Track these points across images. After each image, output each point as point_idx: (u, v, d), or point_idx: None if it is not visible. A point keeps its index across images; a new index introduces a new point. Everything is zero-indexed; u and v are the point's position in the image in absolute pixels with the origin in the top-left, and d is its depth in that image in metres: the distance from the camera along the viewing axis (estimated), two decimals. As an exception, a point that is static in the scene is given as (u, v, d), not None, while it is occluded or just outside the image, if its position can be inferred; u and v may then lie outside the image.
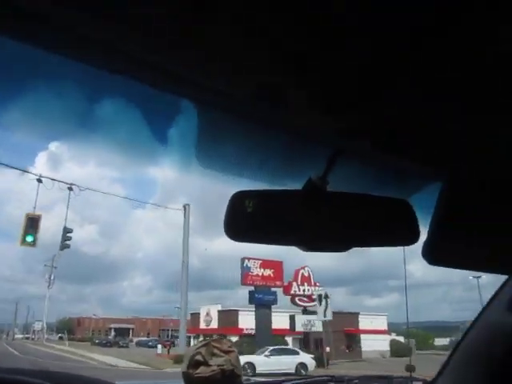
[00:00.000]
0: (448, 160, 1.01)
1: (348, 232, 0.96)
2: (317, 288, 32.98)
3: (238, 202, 0.90)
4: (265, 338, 29.30)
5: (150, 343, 52.66)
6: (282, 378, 1.87)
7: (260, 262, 32.50)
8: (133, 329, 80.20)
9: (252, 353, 24.33)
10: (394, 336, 42.17)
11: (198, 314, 42.21)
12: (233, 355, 1.52)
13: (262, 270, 32.85)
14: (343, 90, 0.78)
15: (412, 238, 0.97)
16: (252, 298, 32.08)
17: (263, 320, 31.03)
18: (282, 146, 0.99)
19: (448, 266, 1.09)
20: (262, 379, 1.82)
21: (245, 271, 31.95)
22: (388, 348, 39.01)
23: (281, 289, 33.82)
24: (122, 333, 73.38)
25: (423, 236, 0.99)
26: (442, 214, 1.00)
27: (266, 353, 23.94)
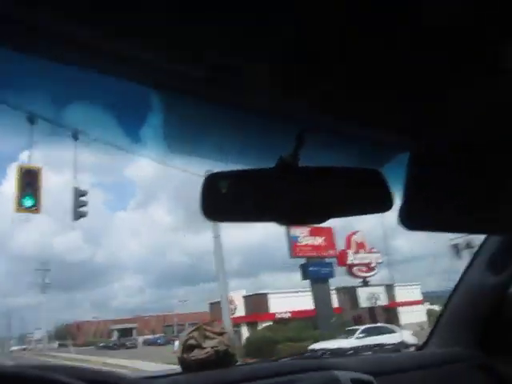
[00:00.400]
0: (415, 127, 1.04)
1: (324, 204, 0.99)
2: (374, 255, 27.88)
3: (211, 184, 0.92)
4: (327, 317, 24.86)
5: (159, 341, 49.85)
6: (278, 357, 1.93)
7: (308, 229, 26.16)
8: (136, 328, 76.43)
9: (315, 338, 20.10)
10: (428, 306, 36.76)
11: (218, 302, 37.26)
12: (226, 336, 1.57)
13: (312, 238, 26.91)
14: (304, 63, 0.79)
15: (386, 205, 1.01)
16: (305, 273, 26.19)
17: (322, 297, 25.68)
18: (249, 125, 1.00)
19: (424, 230, 1.13)
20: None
21: (292, 242, 25.90)
22: (425, 318, 33.69)
23: (334, 260, 27.92)
24: (125, 333, 70.05)
25: (398, 205, 1.02)
26: (414, 181, 1.04)
27: (358, 334, 19.18)
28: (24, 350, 75.61)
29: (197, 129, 0.99)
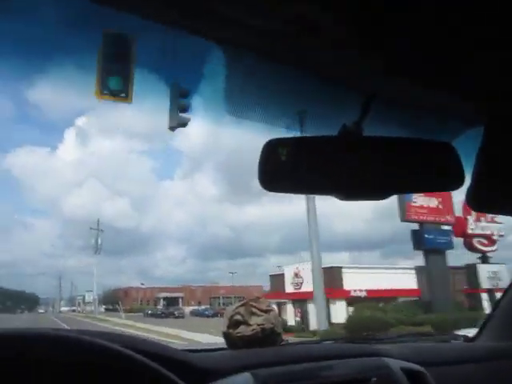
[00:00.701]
0: (490, 98, 0.95)
1: (387, 178, 0.92)
2: (496, 225, 22.77)
3: (271, 151, 0.87)
4: (444, 298, 20.29)
5: (207, 312, 48.57)
6: (319, 339, 1.90)
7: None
8: (182, 297, 75.30)
9: (435, 323, 16.75)
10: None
11: (281, 275, 32.56)
12: (272, 314, 1.54)
13: (427, 199, 21.79)
14: (380, 22, 0.73)
15: (456, 183, 0.93)
16: (419, 241, 21.30)
17: (439, 272, 20.58)
18: (315, 89, 0.95)
19: (494, 212, 1.08)
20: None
21: (406, 201, 21.03)
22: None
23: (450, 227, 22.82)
24: (172, 302, 69.46)
25: (467, 182, 0.94)
26: (486, 157, 0.95)
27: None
28: (73, 311, 79.78)
29: (258, 90, 0.94)
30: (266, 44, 0.78)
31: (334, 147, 0.92)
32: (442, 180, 0.96)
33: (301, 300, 28.64)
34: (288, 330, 22.53)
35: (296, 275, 30.50)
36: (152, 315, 48.02)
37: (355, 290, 27.05)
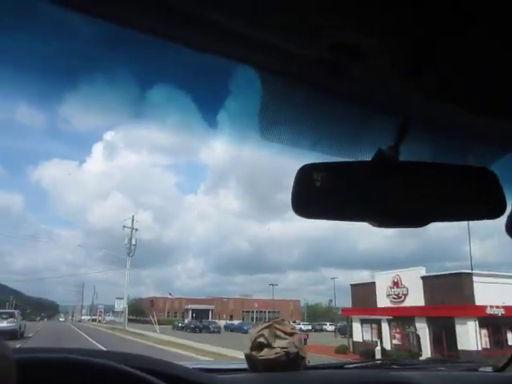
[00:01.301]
0: None
1: (424, 205, 0.89)
2: None
3: (305, 176, 0.86)
4: None
5: (245, 327, 40.13)
6: (344, 361, 1.84)
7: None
8: (212, 310, 69.53)
9: None
10: None
11: (369, 285, 24.97)
12: (296, 337, 1.50)
13: None
14: (419, 51, 0.71)
15: (497, 211, 0.88)
16: None
17: None
18: (350, 114, 0.93)
19: None
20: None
21: None
22: None
23: None
24: (201, 315, 63.27)
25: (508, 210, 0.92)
26: None
27: None
28: (93, 320, 75.38)
29: (293, 115, 0.92)
30: (302, 69, 0.77)
31: (368, 172, 0.89)
32: (481, 207, 0.92)
33: (403, 318, 21.57)
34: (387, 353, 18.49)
35: (396, 284, 22.94)
36: (183, 328, 44.31)
37: (492, 307, 18.92)
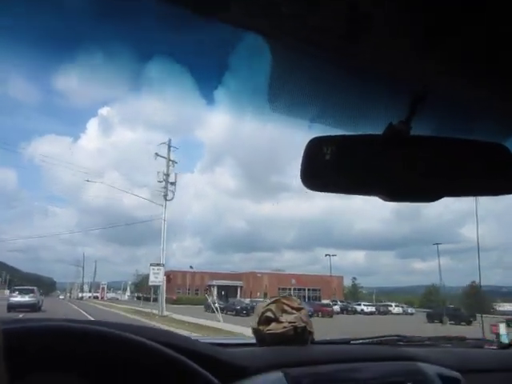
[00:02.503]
0: None
1: (436, 180, 0.87)
2: None
3: (315, 149, 0.84)
4: None
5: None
6: (350, 337, 1.85)
7: None
8: (241, 287, 56.68)
9: None
10: None
11: None
12: (303, 312, 1.51)
13: None
14: (433, 22, 0.69)
15: (510, 186, 0.88)
16: None
17: None
18: (360, 86, 0.90)
19: None
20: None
21: None
22: None
23: None
24: (227, 292, 52.33)
25: None
26: None
27: None
28: (96, 298, 68.44)
29: (301, 85, 0.89)
30: (312, 37, 0.74)
31: (379, 146, 0.87)
32: (495, 183, 0.90)
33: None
34: None
35: None
36: (222, 310, 27.67)
37: None
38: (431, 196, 0.88)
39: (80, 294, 75.70)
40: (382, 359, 1.44)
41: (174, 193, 29.21)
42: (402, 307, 45.05)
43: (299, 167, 0.84)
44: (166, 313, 26.32)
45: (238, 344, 1.54)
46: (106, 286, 76.55)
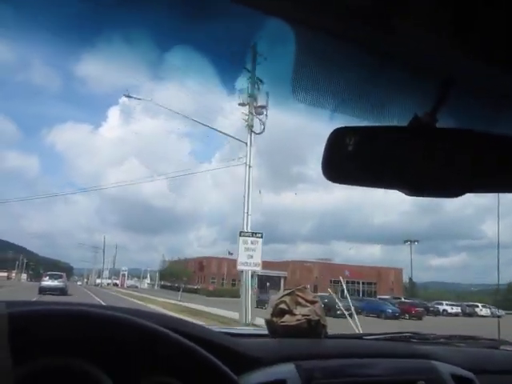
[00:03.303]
0: None
1: (460, 175, 0.85)
2: None
3: (338, 140, 0.82)
4: None
5: (390, 310, 27.24)
6: (363, 333, 1.84)
7: None
8: (285, 277, 48.62)
9: None
10: None
11: None
12: (317, 305, 1.50)
13: None
14: (462, 7, 0.66)
15: None
16: None
17: None
18: (386, 75, 0.88)
19: None
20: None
21: None
22: None
23: None
24: (269, 283, 41.72)
25: None
26: None
27: None
28: (115, 285, 64.00)
29: (324, 73, 0.87)
30: (338, 23, 0.72)
31: (404, 139, 0.85)
32: None
33: None
34: None
35: None
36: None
37: None
38: (454, 191, 0.86)
39: (98, 280, 71.43)
40: (395, 356, 1.43)
41: (264, 124, 17.15)
42: (490, 308, 36.47)
43: (320, 158, 0.83)
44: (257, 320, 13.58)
45: (251, 335, 1.54)
46: (126, 273, 72.72)
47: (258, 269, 16.08)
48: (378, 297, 40.62)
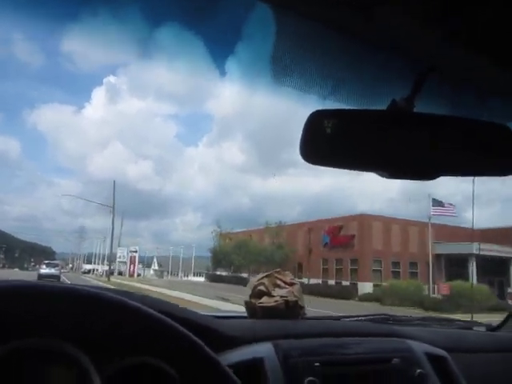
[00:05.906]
0: None
1: (436, 158, 0.87)
2: None
3: (315, 122, 0.83)
4: None
5: None
6: (341, 315, 1.89)
7: None
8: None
9: None
10: None
11: None
12: (296, 287, 1.53)
13: None
14: None
15: (510, 168, 0.88)
16: None
17: None
18: (366, 61, 0.89)
19: None
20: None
21: None
22: None
23: None
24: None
25: None
26: None
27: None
28: (111, 274, 39.51)
29: (307, 59, 0.89)
30: (320, 9, 0.73)
31: (382, 122, 0.87)
32: (495, 164, 0.90)
33: None
34: None
35: None
36: None
37: None
38: (429, 174, 0.89)
39: (87, 267, 55.50)
40: (371, 335, 1.47)
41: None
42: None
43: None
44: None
45: (231, 317, 1.56)
46: (137, 255, 51.01)
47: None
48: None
